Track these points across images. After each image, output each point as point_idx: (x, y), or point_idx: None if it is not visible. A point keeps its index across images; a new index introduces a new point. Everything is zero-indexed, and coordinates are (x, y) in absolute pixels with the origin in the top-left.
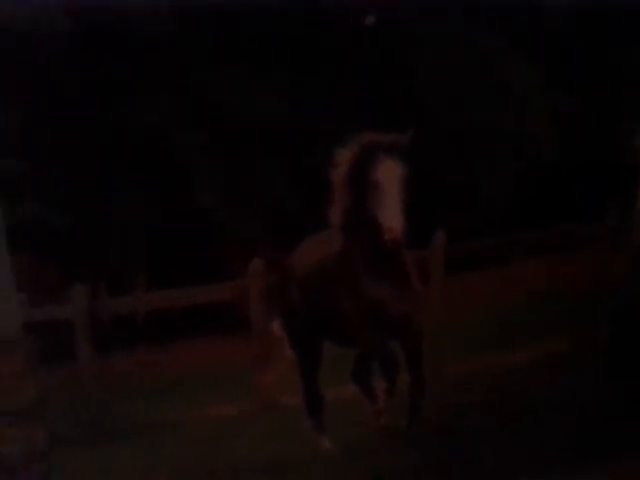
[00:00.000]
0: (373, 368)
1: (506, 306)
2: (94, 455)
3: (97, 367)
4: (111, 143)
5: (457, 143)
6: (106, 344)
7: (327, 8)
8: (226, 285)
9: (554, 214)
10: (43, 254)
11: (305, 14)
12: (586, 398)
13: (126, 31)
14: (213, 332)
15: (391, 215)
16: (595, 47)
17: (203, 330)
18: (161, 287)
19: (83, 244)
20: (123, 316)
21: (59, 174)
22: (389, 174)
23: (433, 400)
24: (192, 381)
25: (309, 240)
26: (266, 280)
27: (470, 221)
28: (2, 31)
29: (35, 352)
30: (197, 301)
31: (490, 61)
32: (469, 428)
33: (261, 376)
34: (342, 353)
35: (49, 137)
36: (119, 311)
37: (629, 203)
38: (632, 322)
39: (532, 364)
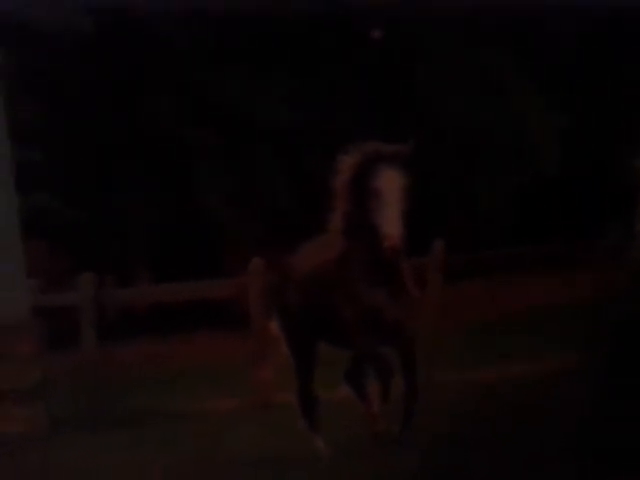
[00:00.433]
0: (367, 371)
1: (505, 317)
2: (93, 441)
3: (100, 355)
4: (119, 141)
5: (458, 155)
6: (110, 334)
7: (331, 16)
8: (226, 282)
9: (554, 229)
10: (53, 243)
11: (311, 20)
12: (584, 412)
13: (130, 32)
14: (213, 328)
15: (390, 223)
16: (597, 63)
17: (204, 325)
18: (163, 281)
19: (92, 235)
20: (127, 307)
21: (72, 167)
22: (390, 183)
23: (427, 406)
24: (192, 374)
25: (309, 243)
26: (265, 279)
27: (471, 232)
28: (22, 29)
29: (42, 337)
30: (198, 296)
31: (491, 76)
32: (463, 436)
33: (258, 372)
34: (338, 355)
35: (63, 131)
36: (123, 301)
37: (629, 221)
38: (633, 338)
39: (529, 376)
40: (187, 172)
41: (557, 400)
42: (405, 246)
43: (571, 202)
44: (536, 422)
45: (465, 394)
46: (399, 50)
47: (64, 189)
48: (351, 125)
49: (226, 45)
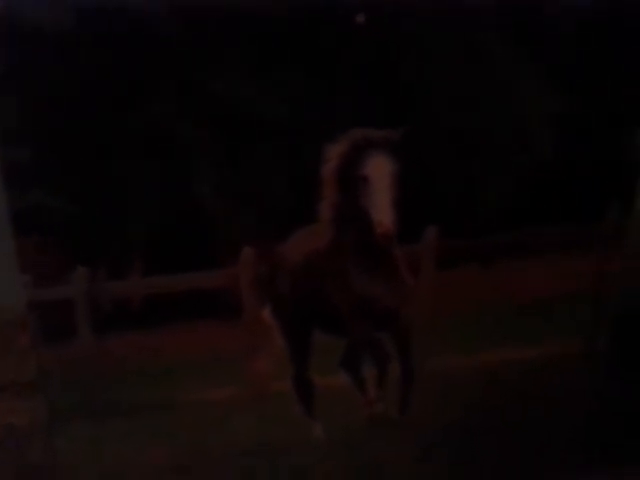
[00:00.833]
0: (363, 357)
1: (503, 305)
2: (91, 431)
3: (95, 347)
4: (114, 135)
5: (454, 141)
6: (104, 326)
7: (318, 6)
8: (218, 273)
9: (553, 214)
10: (47, 238)
11: (298, 13)
12: (584, 400)
13: (127, 29)
14: (207, 318)
15: (382, 210)
16: (594, 46)
17: (197, 316)
18: (156, 273)
19: (85, 229)
20: (120, 300)
21: (64, 163)
22: (379, 170)
23: (425, 392)
24: (187, 365)
25: (300, 231)
26: (257, 269)
27: (468, 219)
28: (13, 27)
29: (38, 330)
30: (189, 287)
31: (488, 60)
32: (463, 423)
33: (252, 362)
34: (333, 342)
35: (55, 128)
36: (116, 294)
37: (629, 202)
38: (633, 323)
39: (531, 364)
40: (179, 164)
41: (560, 386)
42: (398, 232)
43: (569, 185)
44: (537, 407)
45: (464, 380)
46: (393, 34)
47: (56, 184)
48: (342, 115)
49: (223, 43)
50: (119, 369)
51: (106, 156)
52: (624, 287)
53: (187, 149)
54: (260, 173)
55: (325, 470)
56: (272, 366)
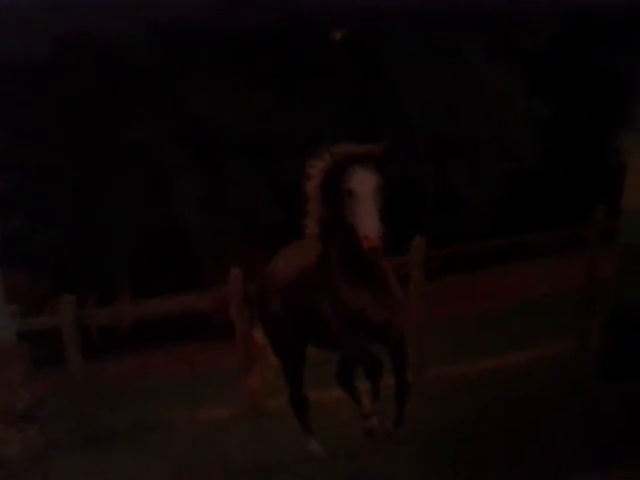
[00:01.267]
0: (356, 371)
1: (497, 310)
2: (88, 457)
3: (87, 373)
4: (96, 159)
5: (437, 150)
6: (96, 350)
7: (297, 24)
8: (207, 294)
9: (541, 218)
10: (31, 266)
11: (279, 30)
12: (579, 401)
13: (102, 55)
14: (200, 338)
15: (368, 224)
16: (575, 49)
17: (190, 336)
18: (145, 296)
19: (70, 256)
20: (110, 325)
21: (46, 190)
22: (364, 184)
23: (420, 403)
24: (181, 385)
25: (287, 248)
26: (245, 288)
27: (456, 227)
28: None
29: (30, 359)
30: (178, 310)
31: (467, 66)
32: (459, 432)
33: (247, 380)
34: (327, 356)
35: (36, 154)
36: (105, 320)
37: (616, 203)
38: (626, 323)
39: (524, 368)
40: (162, 186)
41: (552, 388)
42: (385, 244)
43: (556, 189)
44: (530, 409)
45: (457, 389)
46: (369, 43)
47: (38, 212)
48: (325, 130)
49: (197, 61)
50: (113, 393)
51: (89, 181)
52: (614, 289)
53: (169, 171)
54: (244, 191)
55: None
56: (266, 384)
